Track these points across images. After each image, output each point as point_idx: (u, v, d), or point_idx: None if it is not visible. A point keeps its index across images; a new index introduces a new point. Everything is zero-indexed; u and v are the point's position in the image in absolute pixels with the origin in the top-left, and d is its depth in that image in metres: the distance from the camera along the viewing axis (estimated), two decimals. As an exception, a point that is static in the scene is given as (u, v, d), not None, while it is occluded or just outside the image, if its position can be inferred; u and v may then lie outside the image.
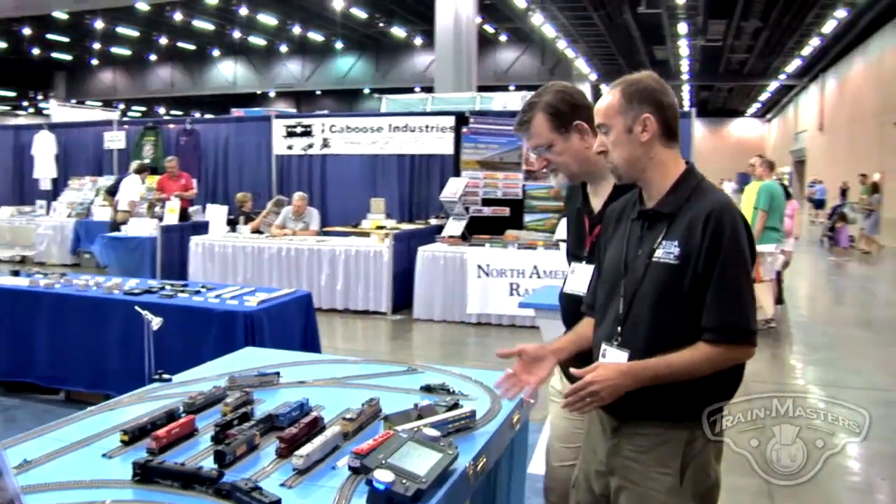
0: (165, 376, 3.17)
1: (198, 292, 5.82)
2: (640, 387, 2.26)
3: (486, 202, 11.62)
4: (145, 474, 2.15)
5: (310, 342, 5.96)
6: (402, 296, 10.31)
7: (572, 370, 2.38)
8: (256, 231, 11.11)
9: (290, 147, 13.36)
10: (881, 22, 32.56)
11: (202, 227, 11.28)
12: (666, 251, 2.30)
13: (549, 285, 7.81)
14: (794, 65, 41.21)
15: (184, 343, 4.87)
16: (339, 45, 42.03)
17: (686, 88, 47.31)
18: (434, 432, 2.31)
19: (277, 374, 3.15)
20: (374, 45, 44.34)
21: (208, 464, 2.25)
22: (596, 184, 2.87)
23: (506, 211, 11.58)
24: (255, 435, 2.40)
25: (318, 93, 50.35)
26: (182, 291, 5.82)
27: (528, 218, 11.55)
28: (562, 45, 36.35)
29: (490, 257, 9.70)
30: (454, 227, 10.78)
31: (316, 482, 2.19)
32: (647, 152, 2.37)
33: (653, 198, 2.41)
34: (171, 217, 11.53)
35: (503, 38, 41.69)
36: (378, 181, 12.93)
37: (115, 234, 11.58)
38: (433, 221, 12.02)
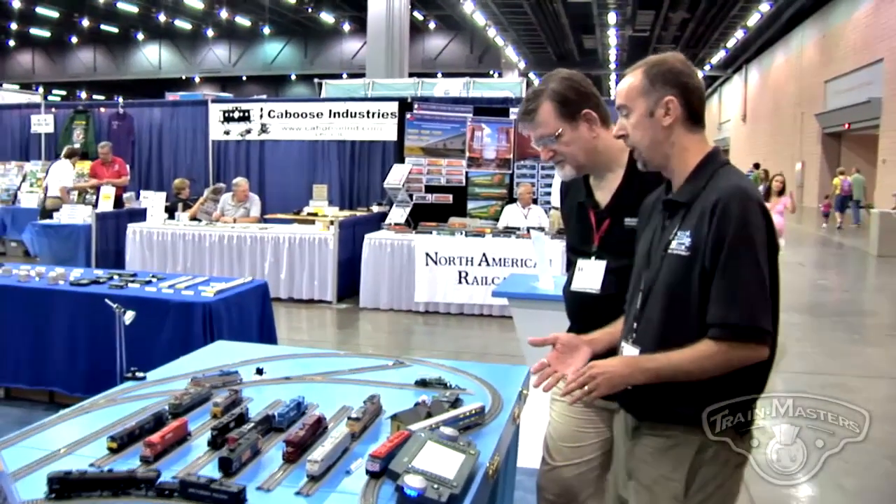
0: (139, 374, 2.93)
1: (149, 282, 5.52)
2: (645, 381, 2.14)
3: (430, 189, 11.50)
4: (65, 489, 1.90)
5: (267, 333, 5.73)
6: (348, 284, 10.09)
7: (572, 368, 2.28)
8: (194, 219, 10.76)
9: (227, 132, 12.99)
10: (802, 17, 33.46)
11: (138, 215, 10.84)
12: (679, 242, 2.17)
13: (517, 273, 7.75)
14: (718, 56, 42.11)
15: (138, 338, 4.59)
16: (266, 30, 41.49)
17: (613, 78, 47.79)
18: (452, 431, 2.17)
19: (237, 372, 2.92)
20: (303, 31, 43.89)
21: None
22: (601, 176, 2.73)
23: (449, 198, 11.49)
24: (258, 438, 2.21)
25: (245, 78, 49.60)
26: (132, 282, 5.51)
27: (471, 205, 11.49)
28: (491, 33, 36.42)
29: (438, 245, 9.55)
30: (397, 214, 10.62)
31: (333, 488, 2.01)
32: (669, 137, 2.24)
33: (676, 186, 2.28)
34: (106, 204, 11.06)
35: (432, 25, 41.60)
36: (318, 167, 12.67)
37: (48, 221, 11.07)
38: (375, 209, 11.83)
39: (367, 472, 2.04)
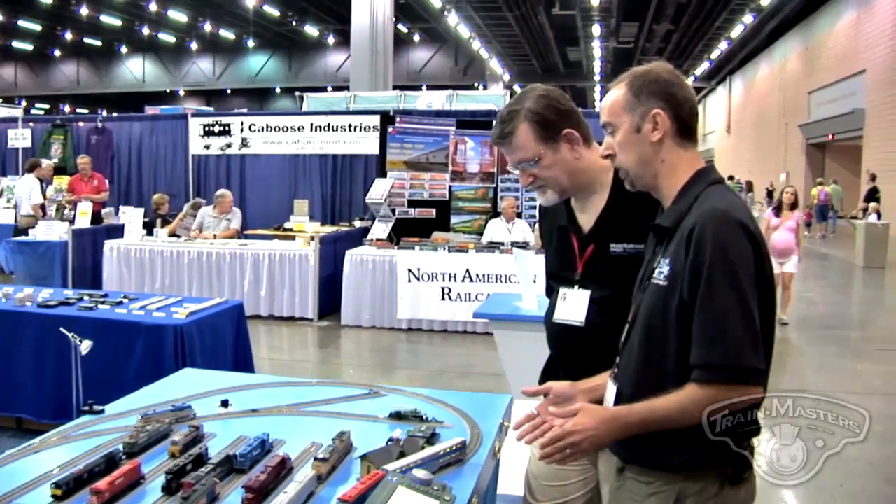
0: (97, 407, 2.75)
1: (119, 303, 5.35)
2: (630, 434, 1.98)
3: (413, 203, 11.36)
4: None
5: (242, 357, 5.55)
6: (329, 301, 9.92)
7: (551, 409, 2.10)
8: (173, 235, 10.56)
9: (207, 146, 12.83)
10: (785, 28, 33.65)
11: (116, 231, 10.63)
12: (659, 270, 2.00)
13: (500, 292, 7.61)
14: (703, 67, 42.27)
15: (107, 362, 4.42)
16: (251, 43, 41.42)
17: (598, 90, 47.93)
18: (425, 474, 2.01)
19: (190, 406, 2.72)
20: (287, 44, 43.85)
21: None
22: (584, 199, 2.53)
23: (432, 212, 11.35)
24: (216, 483, 2.05)
25: (229, 91, 49.44)
26: (102, 303, 5.34)
27: (454, 219, 11.34)
28: (476, 45, 36.46)
29: (420, 261, 9.39)
30: (380, 229, 10.46)
31: (295, 539, 1.86)
32: (659, 154, 2.07)
33: (666, 207, 2.12)
34: (83, 220, 10.85)
35: (416, 37, 41.64)
36: (299, 182, 12.53)
37: (23, 238, 10.85)
38: (357, 223, 11.68)
39: (336, 518, 1.88)
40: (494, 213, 10.98)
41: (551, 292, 2.63)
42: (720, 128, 50.27)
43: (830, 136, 28.88)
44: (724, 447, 1.92)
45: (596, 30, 31.46)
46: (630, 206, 2.33)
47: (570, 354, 2.50)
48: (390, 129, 11.52)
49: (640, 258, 2.22)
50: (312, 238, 9.95)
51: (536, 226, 10.06)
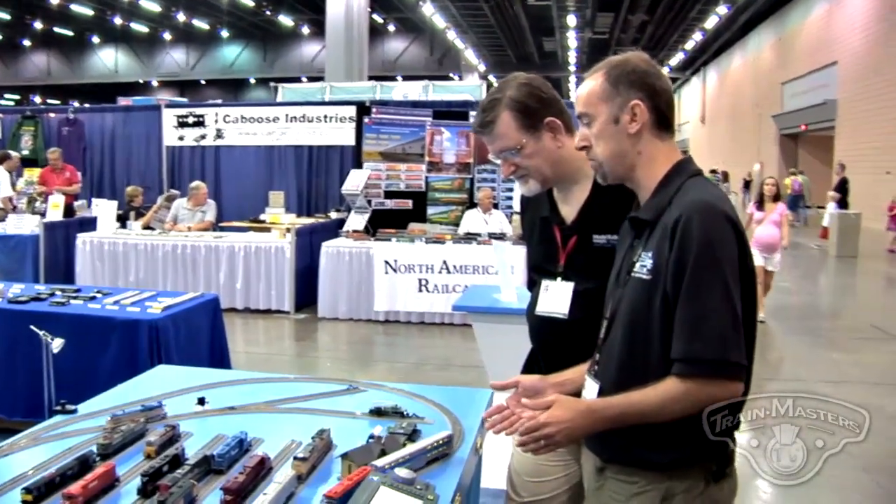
0: (69, 407, 2.69)
1: (93, 298, 5.25)
2: (607, 428, 1.94)
3: (389, 195, 11.31)
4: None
5: (218, 352, 5.47)
6: (305, 293, 9.85)
7: (524, 401, 2.06)
8: (147, 227, 10.44)
9: (181, 138, 12.69)
10: (758, 20, 33.86)
11: (89, 224, 10.48)
12: (641, 264, 1.96)
13: (478, 284, 7.56)
14: (677, 58, 42.39)
15: (80, 359, 4.33)
16: (224, 33, 41.10)
17: (573, 80, 47.96)
18: (408, 473, 1.97)
19: (161, 405, 2.66)
20: (262, 34, 43.54)
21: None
22: (566, 189, 2.49)
23: (408, 204, 11.31)
24: (193, 485, 2.00)
25: (203, 82, 49.06)
26: (75, 298, 5.24)
27: (431, 210, 11.31)
28: (451, 35, 36.36)
29: (397, 252, 9.34)
30: (356, 220, 10.40)
31: (276, 542, 1.82)
32: (636, 145, 2.02)
33: (643, 200, 2.08)
34: (55, 213, 10.65)
35: (391, 28, 41.47)
36: (275, 174, 12.43)
37: (-8, 231, 10.67)
38: (333, 215, 11.60)
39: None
40: (471, 204, 10.95)
41: (533, 285, 2.59)
42: (695, 118, 50.51)
43: (803, 127, 29.08)
44: (709, 444, 1.90)
45: (571, 20, 31.42)
46: (613, 197, 2.28)
47: (552, 347, 2.47)
48: (366, 120, 11.46)
49: None
50: (288, 230, 9.86)
51: (513, 216, 10.12)
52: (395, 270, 9.31)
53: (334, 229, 10.50)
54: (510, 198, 10.93)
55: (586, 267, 2.39)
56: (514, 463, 2.62)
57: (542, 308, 2.48)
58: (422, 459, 2.21)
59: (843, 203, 19.30)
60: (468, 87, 19.65)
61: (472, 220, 10.22)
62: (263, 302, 9.80)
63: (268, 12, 37.93)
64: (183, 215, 10.39)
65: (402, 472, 1.97)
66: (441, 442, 2.30)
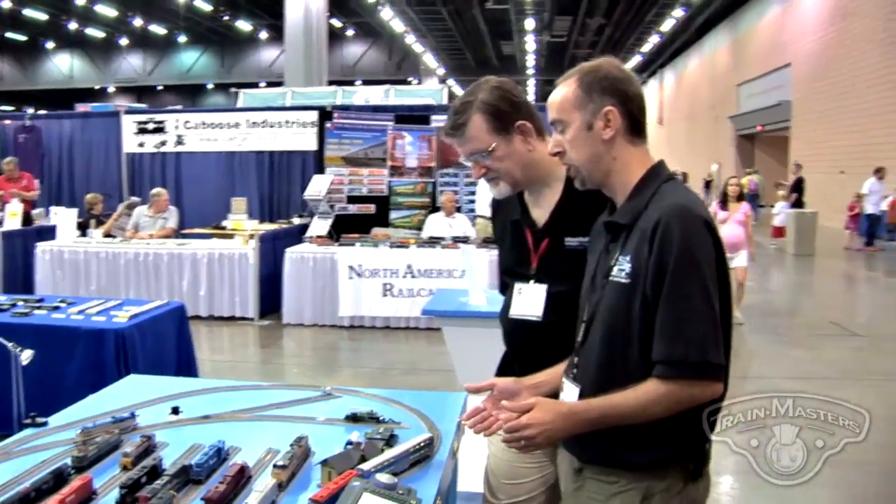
0: (40, 420, 2.65)
1: (56, 308, 5.20)
2: (588, 430, 1.97)
3: (352, 199, 11.30)
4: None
5: (185, 360, 5.44)
6: (270, 300, 9.81)
7: (504, 403, 2.08)
8: (108, 235, 10.32)
9: (141, 144, 12.56)
10: (714, 22, 34.32)
11: (48, 233, 10.35)
12: (619, 268, 1.99)
13: (446, 288, 7.59)
14: (634, 61, 42.80)
15: (46, 370, 4.28)
16: (182, 38, 40.73)
17: (531, 83, 48.24)
18: (389, 478, 1.99)
19: (133, 415, 2.64)
20: (219, 39, 43.22)
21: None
22: (537, 192, 2.52)
23: (371, 208, 11.30)
24: (173, 496, 1.99)
25: (161, 88, 48.57)
26: (38, 308, 5.18)
27: (394, 215, 11.31)
28: (410, 39, 36.42)
29: (361, 257, 9.34)
30: (319, 226, 10.37)
31: (260, 549, 1.83)
32: (610, 151, 2.06)
33: (619, 204, 2.11)
34: (13, 221, 10.50)
35: (350, 32, 41.45)
36: (237, 180, 12.33)
37: (-53, 242, 10.48)
38: (296, 221, 11.54)
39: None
40: (434, 208, 10.97)
41: (506, 288, 2.62)
42: (652, 120, 50.94)
43: (759, 128, 29.53)
44: (688, 444, 1.95)
45: (529, 24, 31.61)
46: (584, 200, 2.31)
47: (526, 350, 2.49)
48: (328, 125, 11.44)
49: None
50: (251, 236, 9.83)
51: (477, 220, 10.15)
52: (359, 275, 9.31)
53: (297, 235, 10.46)
54: (473, 201, 10.96)
55: (559, 269, 2.41)
56: (491, 465, 2.65)
57: (516, 311, 2.50)
58: (405, 462, 2.23)
59: (799, 202, 19.63)
60: (429, 91, 19.63)
61: (436, 224, 10.24)
62: (227, 309, 9.75)
63: (225, 17, 37.69)
64: (144, 223, 10.29)
65: (384, 478, 1.98)
66: (422, 445, 2.32)
